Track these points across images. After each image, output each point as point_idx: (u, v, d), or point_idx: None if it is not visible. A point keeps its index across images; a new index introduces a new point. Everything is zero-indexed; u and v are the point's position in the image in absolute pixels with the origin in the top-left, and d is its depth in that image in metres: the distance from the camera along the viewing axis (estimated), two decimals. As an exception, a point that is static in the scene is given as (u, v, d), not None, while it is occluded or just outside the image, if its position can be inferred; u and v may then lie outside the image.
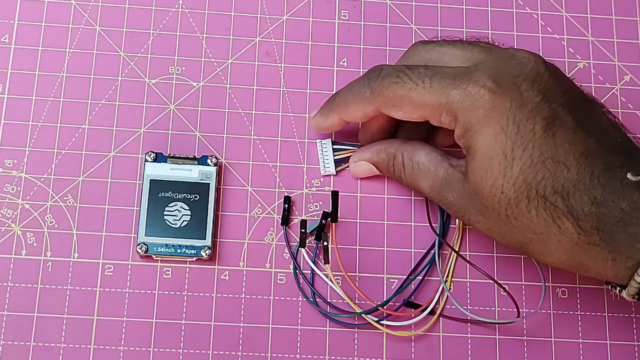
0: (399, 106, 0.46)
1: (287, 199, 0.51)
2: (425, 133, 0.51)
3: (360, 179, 0.52)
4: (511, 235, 0.44)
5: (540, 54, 0.46)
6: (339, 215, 0.50)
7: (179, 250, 0.49)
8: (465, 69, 0.45)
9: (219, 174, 0.51)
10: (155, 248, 0.49)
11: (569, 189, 0.42)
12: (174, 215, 0.49)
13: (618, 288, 0.43)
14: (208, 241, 0.49)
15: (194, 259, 0.49)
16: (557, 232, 0.42)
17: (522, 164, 0.42)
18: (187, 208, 0.50)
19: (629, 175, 0.42)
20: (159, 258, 0.49)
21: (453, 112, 0.44)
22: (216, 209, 0.50)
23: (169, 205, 0.50)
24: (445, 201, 0.47)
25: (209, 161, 0.50)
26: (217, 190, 0.51)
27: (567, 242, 0.42)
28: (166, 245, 0.49)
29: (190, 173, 0.50)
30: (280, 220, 0.51)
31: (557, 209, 0.42)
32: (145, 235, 0.49)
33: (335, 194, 0.50)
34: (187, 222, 0.49)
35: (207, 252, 0.49)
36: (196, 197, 0.50)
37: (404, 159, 0.48)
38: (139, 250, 0.49)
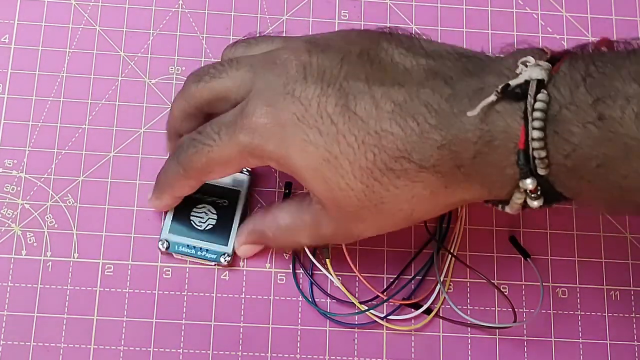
0: (212, 170, 0.45)
1: (289, 185, 0.51)
2: None
3: None
4: (395, 218, 0.43)
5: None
6: None
7: (199, 253, 0.49)
8: (240, 107, 0.44)
9: (251, 183, 0.51)
10: (176, 247, 0.49)
11: (406, 148, 0.40)
12: (200, 217, 0.49)
13: (500, 205, 0.42)
14: (229, 248, 0.49)
15: (213, 264, 0.49)
16: (423, 187, 0.41)
17: (347, 156, 0.41)
18: (215, 212, 0.49)
19: (468, 113, 0.39)
20: (179, 257, 0.49)
21: (255, 153, 0.43)
22: (243, 218, 0.50)
23: (197, 206, 0.49)
24: (327, 238, 0.46)
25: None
26: (248, 197, 0.50)
27: (439, 189, 0.41)
28: (188, 245, 0.49)
29: (224, 177, 0.49)
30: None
31: (408, 171, 0.41)
32: (169, 232, 0.49)
33: None
34: (212, 226, 0.49)
35: (226, 258, 0.49)
36: (225, 202, 0.50)
37: (273, 234, 0.47)
38: (161, 247, 0.49)
